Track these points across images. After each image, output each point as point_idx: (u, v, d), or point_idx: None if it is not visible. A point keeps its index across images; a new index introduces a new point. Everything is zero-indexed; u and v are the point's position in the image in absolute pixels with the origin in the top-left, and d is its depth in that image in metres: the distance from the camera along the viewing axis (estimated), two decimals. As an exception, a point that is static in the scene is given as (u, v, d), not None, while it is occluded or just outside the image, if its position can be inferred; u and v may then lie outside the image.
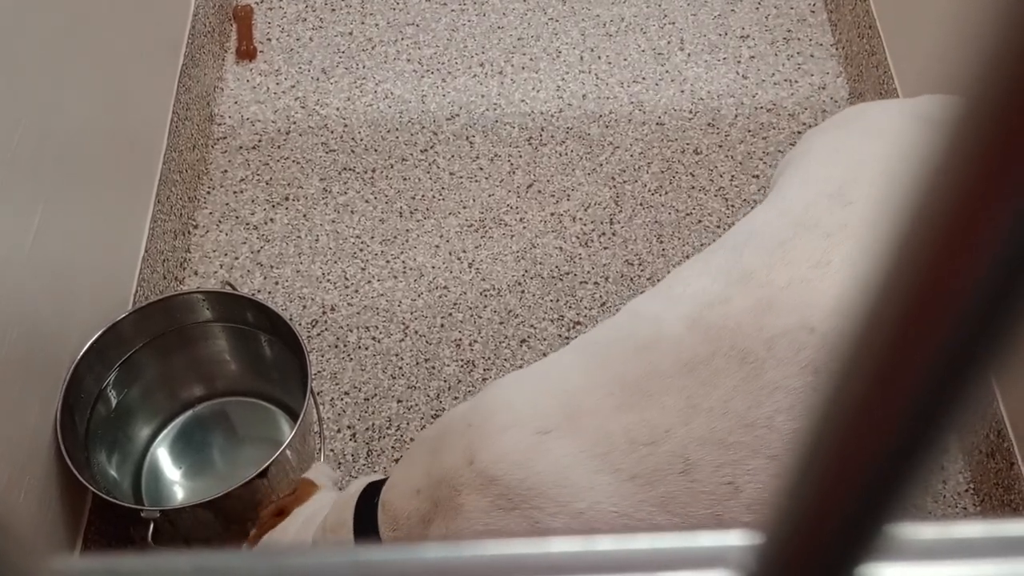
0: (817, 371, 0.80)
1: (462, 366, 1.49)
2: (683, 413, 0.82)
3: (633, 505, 0.81)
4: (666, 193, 1.68)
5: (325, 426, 1.43)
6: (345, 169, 1.72)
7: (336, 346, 1.51)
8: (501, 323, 1.54)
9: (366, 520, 0.94)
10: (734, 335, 0.83)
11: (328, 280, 1.58)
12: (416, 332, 1.53)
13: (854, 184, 0.90)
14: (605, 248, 1.62)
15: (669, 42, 1.90)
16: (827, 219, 0.87)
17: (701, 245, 1.61)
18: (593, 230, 1.64)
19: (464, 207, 1.67)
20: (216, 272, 1.59)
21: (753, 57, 1.87)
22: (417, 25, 1.94)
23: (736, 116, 1.78)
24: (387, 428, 1.44)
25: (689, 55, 1.88)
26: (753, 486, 0.80)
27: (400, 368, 1.49)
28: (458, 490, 0.85)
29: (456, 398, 1.46)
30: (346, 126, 1.78)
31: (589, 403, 0.85)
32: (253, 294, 1.54)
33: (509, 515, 0.82)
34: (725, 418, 0.81)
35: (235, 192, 1.69)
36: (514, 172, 1.71)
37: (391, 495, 0.93)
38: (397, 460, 1.41)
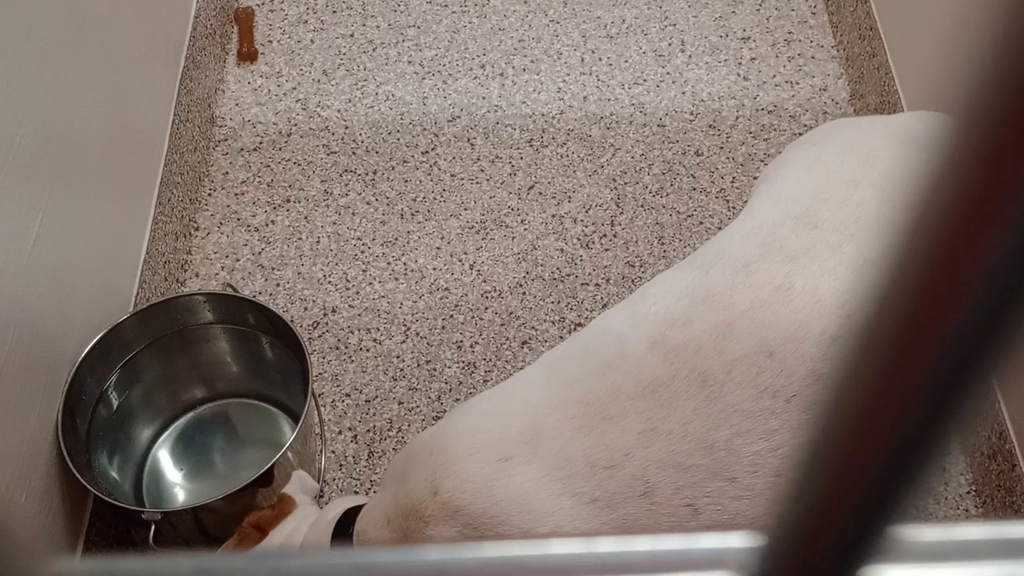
0: (775, 395, 0.80)
1: (463, 368, 1.49)
2: (643, 436, 0.82)
3: (594, 528, 0.82)
4: (667, 195, 1.68)
5: (326, 428, 1.43)
6: (346, 171, 1.72)
7: (337, 348, 1.51)
8: (502, 325, 1.54)
9: (341, 537, 0.95)
10: (695, 358, 0.83)
11: (329, 282, 1.58)
12: (417, 334, 1.53)
13: (822, 206, 0.89)
14: (606, 250, 1.62)
15: (670, 44, 1.90)
16: (792, 242, 0.87)
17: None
18: (594, 232, 1.64)
19: (465, 209, 1.67)
20: (217, 274, 1.60)
21: (754, 59, 1.87)
22: (418, 27, 1.94)
23: (737, 118, 1.78)
24: (388, 430, 1.44)
25: (690, 57, 1.88)
26: (712, 508, 0.81)
27: (401, 370, 1.49)
28: (426, 521, 0.86)
29: (457, 399, 1.46)
30: (347, 128, 1.78)
31: (551, 426, 0.85)
32: (254, 296, 1.54)
33: None
34: (684, 440, 0.81)
35: (236, 194, 1.69)
36: (515, 174, 1.71)
37: (364, 524, 0.93)
38: (398, 462, 1.41)
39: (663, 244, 1.62)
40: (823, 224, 0.87)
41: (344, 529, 0.96)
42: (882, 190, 0.86)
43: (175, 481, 1.37)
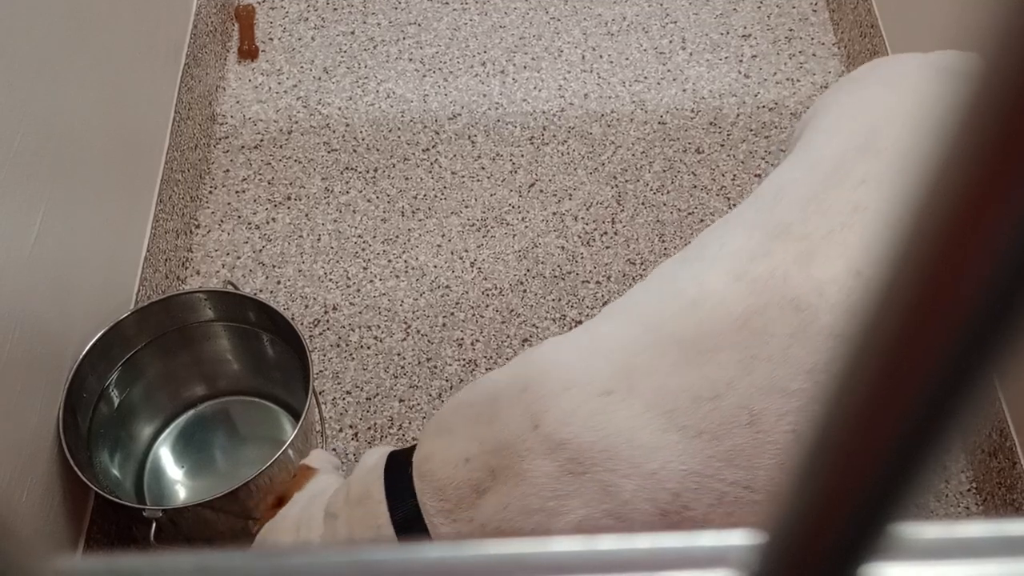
0: None
1: (464, 365, 1.49)
2: (743, 364, 0.81)
3: (701, 462, 0.80)
4: (668, 192, 1.68)
5: (327, 425, 1.43)
6: (347, 168, 1.72)
7: (338, 345, 1.51)
8: (503, 322, 1.54)
9: (399, 490, 0.91)
10: (784, 285, 0.83)
11: (330, 279, 1.58)
12: (418, 331, 1.53)
13: (881, 134, 0.90)
14: (607, 247, 1.62)
15: (671, 41, 1.90)
16: (859, 169, 0.88)
17: (703, 244, 1.62)
18: (595, 229, 1.64)
19: (466, 206, 1.67)
20: (218, 272, 1.60)
21: (755, 56, 1.87)
22: (419, 24, 1.94)
23: (738, 115, 1.78)
24: (389, 427, 1.44)
25: (691, 54, 1.88)
26: None
27: (402, 367, 1.49)
28: (522, 456, 0.82)
29: (458, 397, 1.46)
30: (348, 125, 1.78)
31: (643, 364, 0.84)
32: (255, 293, 1.54)
33: (579, 479, 0.80)
34: (785, 365, 0.81)
35: (237, 192, 1.69)
36: (516, 171, 1.71)
37: (433, 465, 0.89)
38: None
39: (664, 242, 1.62)
40: (884, 151, 0.88)
41: (396, 470, 0.92)
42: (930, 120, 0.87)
43: (176, 479, 1.37)
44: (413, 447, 0.95)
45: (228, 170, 1.72)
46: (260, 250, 1.62)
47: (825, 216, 0.86)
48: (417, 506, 0.88)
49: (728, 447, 0.81)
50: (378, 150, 1.75)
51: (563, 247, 1.62)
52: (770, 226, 0.88)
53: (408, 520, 0.88)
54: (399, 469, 0.92)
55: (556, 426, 0.82)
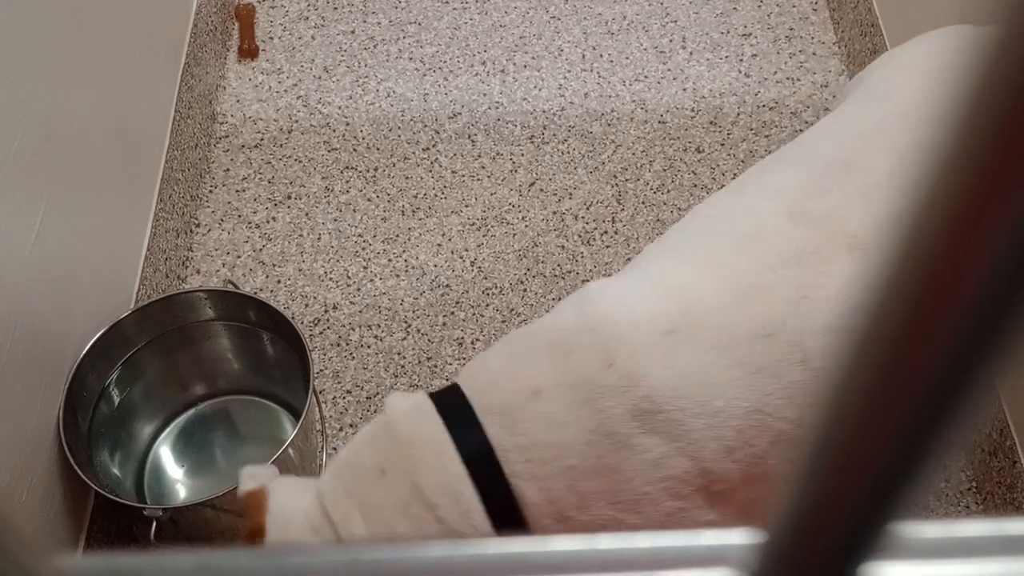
0: None
1: (464, 364, 1.49)
2: (794, 303, 0.80)
3: (761, 399, 0.79)
4: (668, 192, 1.68)
5: (327, 424, 1.43)
6: (347, 168, 1.72)
7: (338, 344, 1.51)
8: (503, 321, 1.54)
9: (463, 424, 0.82)
10: (841, 223, 0.82)
11: (330, 279, 1.58)
12: (418, 330, 1.53)
13: (936, 73, 0.90)
14: (607, 247, 1.62)
15: (671, 40, 1.90)
16: (919, 99, 0.87)
17: (703, 243, 1.62)
18: (595, 228, 1.64)
19: (466, 205, 1.67)
20: (218, 271, 1.60)
21: (755, 55, 1.87)
22: (419, 23, 1.94)
23: (738, 114, 1.78)
24: (389, 427, 1.44)
25: (691, 53, 1.88)
26: None
27: (402, 366, 1.49)
28: (600, 393, 0.80)
29: (458, 397, 1.46)
30: (348, 125, 1.78)
31: (702, 300, 0.82)
32: (255, 292, 1.54)
33: (652, 417, 0.79)
34: (839, 306, 0.80)
35: (237, 191, 1.69)
36: (516, 170, 1.71)
37: (500, 395, 0.82)
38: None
39: (664, 241, 1.62)
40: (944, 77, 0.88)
41: (453, 406, 0.83)
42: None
43: (176, 478, 1.37)
44: (450, 386, 0.87)
45: (228, 169, 1.72)
46: (260, 249, 1.62)
47: (891, 152, 0.84)
48: (486, 440, 0.81)
49: (787, 383, 0.80)
50: (378, 149, 1.75)
51: (563, 246, 1.62)
52: (828, 162, 0.87)
53: (478, 455, 0.81)
54: (451, 405, 0.84)
55: (630, 365, 0.80)
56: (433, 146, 1.75)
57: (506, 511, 0.81)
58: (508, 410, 0.82)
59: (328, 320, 1.54)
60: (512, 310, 1.55)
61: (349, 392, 1.47)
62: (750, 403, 0.80)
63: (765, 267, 0.83)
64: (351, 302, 1.56)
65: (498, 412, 0.82)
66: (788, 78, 1.84)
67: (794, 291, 0.81)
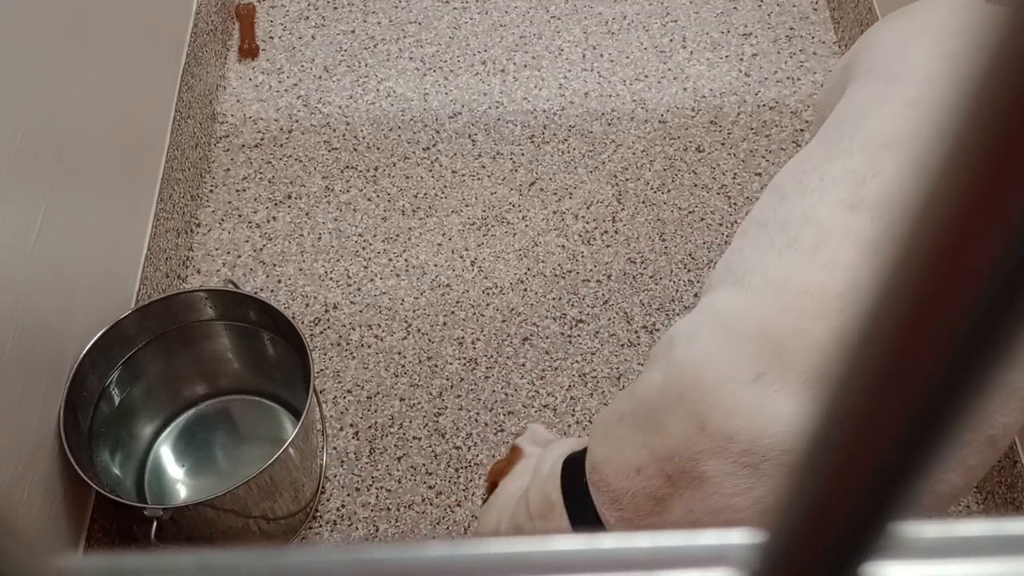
0: None
1: (464, 364, 1.49)
2: None
3: None
4: (668, 191, 1.68)
5: (328, 424, 1.43)
6: (347, 167, 1.72)
7: (338, 344, 1.51)
8: (503, 321, 1.54)
9: (577, 501, 0.92)
10: (902, 199, 0.81)
11: (330, 278, 1.58)
12: (418, 330, 1.53)
13: (950, 44, 0.88)
14: (607, 246, 1.62)
15: (671, 40, 1.90)
16: (942, 73, 0.85)
17: (704, 243, 1.61)
18: (595, 228, 1.64)
19: (466, 205, 1.67)
20: (219, 270, 1.60)
21: (755, 55, 1.87)
22: (419, 23, 1.94)
23: (738, 114, 1.78)
24: (389, 426, 1.44)
25: (691, 53, 1.88)
26: None
27: (402, 366, 1.49)
28: (696, 459, 0.81)
29: (459, 396, 1.46)
30: (348, 124, 1.78)
31: (784, 327, 0.80)
32: (256, 292, 1.54)
33: (757, 471, 0.78)
34: None
35: (237, 190, 1.69)
36: (516, 170, 1.71)
37: (605, 475, 0.89)
38: (401, 458, 1.41)
39: (664, 240, 1.62)
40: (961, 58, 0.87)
41: (573, 480, 0.93)
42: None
43: (177, 478, 1.37)
44: (582, 452, 0.95)
45: (229, 169, 1.72)
46: (261, 249, 1.62)
47: (928, 119, 0.84)
48: (597, 516, 0.89)
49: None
50: (379, 149, 1.75)
51: (563, 246, 1.62)
52: (869, 143, 0.85)
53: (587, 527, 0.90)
54: (575, 479, 0.93)
55: (722, 422, 0.79)
56: (433, 146, 1.75)
57: None
58: (612, 488, 0.88)
59: (328, 320, 1.54)
60: (512, 310, 1.55)
61: (349, 392, 1.47)
62: None
63: (841, 270, 0.80)
64: (351, 302, 1.56)
65: (604, 490, 0.89)
66: (788, 77, 1.83)
67: None
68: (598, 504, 0.89)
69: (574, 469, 0.94)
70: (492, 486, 1.11)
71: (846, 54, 1.09)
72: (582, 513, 0.90)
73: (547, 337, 1.52)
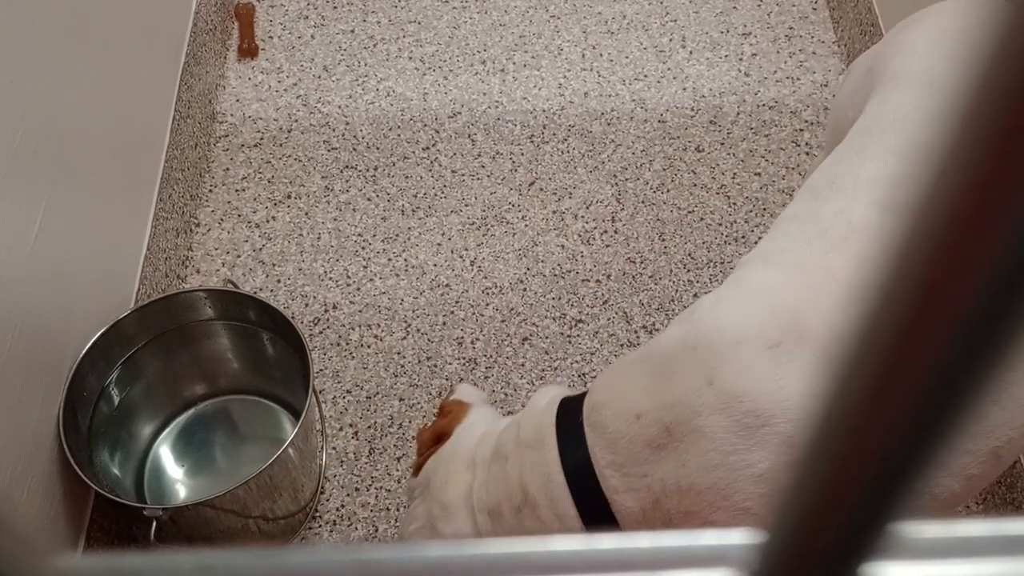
0: None
1: (464, 364, 1.49)
2: None
3: None
4: (668, 191, 1.68)
5: (327, 424, 1.43)
6: (347, 167, 1.72)
7: (338, 344, 1.51)
8: (503, 321, 1.54)
9: (570, 438, 0.90)
10: None
11: (330, 278, 1.58)
12: (418, 330, 1.53)
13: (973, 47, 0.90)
14: (607, 246, 1.62)
15: (671, 39, 1.90)
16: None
17: (703, 243, 1.61)
18: (595, 228, 1.64)
19: (466, 205, 1.67)
20: (218, 270, 1.60)
21: (755, 55, 1.87)
22: (419, 23, 1.94)
23: (738, 114, 1.78)
24: (389, 426, 1.44)
25: (691, 52, 1.88)
26: None
27: (402, 366, 1.49)
28: (697, 411, 0.81)
29: (458, 396, 1.46)
30: (348, 124, 1.78)
31: (806, 308, 0.82)
32: (255, 292, 1.54)
33: (757, 432, 0.79)
34: None
35: (237, 190, 1.69)
36: (516, 170, 1.71)
37: (604, 416, 0.88)
38: (400, 458, 1.41)
39: (664, 240, 1.62)
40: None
41: (568, 418, 0.91)
42: None
43: (176, 478, 1.37)
44: (581, 394, 0.94)
45: (228, 168, 1.72)
46: (260, 249, 1.62)
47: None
48: (588, 456, 0.88)
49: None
50: (378, 148, 1.74)
51: (563, 246, 1.62)
52: (906, 147, 0.86)
53: (579, 470, 0.88)
54: (571, 416, 0.91)
55: (732, 380, 0.80)
56: (433, 145, 1.75)
57: (600, 518, 0.88)
58: (609, 431, 0.87)
59: (328, 319, 1.54)
60: (512, 309, 1.55)
61: (349, 392, 1.47)
62: None
63: (868, 263, 0.81)
64: (351, 301, 1.56)
65: (599, 432, 0.88)
66: (788, 77, 1.83)
67: None
68: (591, 445, 0.88)
69: (571, 407, 0.93)
70: (435, 439, 1.06)
71: (866, 56, 1.09)
72: (573, 451, 0.89)
73: (547, 337, 1.52)
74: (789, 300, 0.84)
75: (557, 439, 0.90)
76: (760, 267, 0.90)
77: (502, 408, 1.45)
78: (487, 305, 1.55)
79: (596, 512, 0.87)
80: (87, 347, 1.22)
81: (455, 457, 1.00)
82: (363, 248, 1.62)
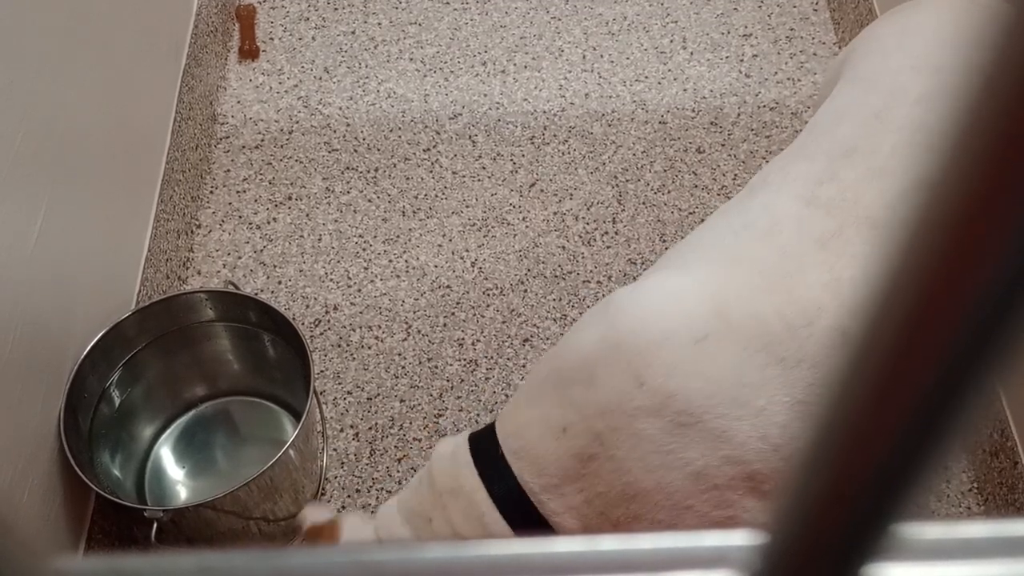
0: None
1: (465, 365, 1.49)
2: (829, 287, 0.79)
3: (804, 390, 0.78)
4: (669, 192, 1.68)
5: (328, 425, 1.43)
6: (348, 168, 1.72)
7: (339, 345, 1.51)
8: (504, 322, 1.54)
9: (494, 475, 0.86)
10: (855, 205, 0.82)
11: (331, 279, 1.58)
12: (419, 331, 1.53)
13: (936, 53, 0.90)
14: (608, 247, 1.62)
15: (672, 41, 1.90)
16: (916, 87, 0.87)
17: (704, 244, 1.61)
18: (596, 229, 1.64)
19: (467, 206, 1.67)
20: (219, 272, 1.60)
21: (756, 56, 1.87)
22: (419, 24, 1.94)
23: (739, 115, 1.78)
24: (390, 427, 1.44)
25: (692, 54, 1.88)
26: None
27: (403, 367, 1.49)
28: (632, 415, 0.79)
29: (459, 397, 1.46)
30: (349, 125, 1.78)
31: (732, 296, 0.81)
32: (256, 293, 1.54)
33: (691, 430, 0.78)
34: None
35: (238, 192, 1.69)
36: (517, 171, 1.71)
37: (526, 440, 0.84)
38: (401, 459, 1.41)
39: (665, 241, 1.62)
40: (944, 69, 0.87)
41: (486, 455, 0.86)
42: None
43: (177, 479, 1.37)
44: (489, 426, 0.90)
45: (229, 170, 1.72)
46: (261, 250, 1.62)
47: (891, 133, 0.85)
48: (519, 487, 0.84)
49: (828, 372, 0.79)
50: (379, 150, 1.75)
51: (564, 247, 1.62)
52: (833, 149, 0.87)
53: (513, 503, 0.84)
54: (486, 450, 0.87)
55: (662, 379, 0.78)
56: (434, 147, 1.75)
57: None
58: (533, 453, 0.83)
59: (329, 321, 1.54)
60: (513, 311, 1.55)
61: (350, 393, 1.47)
62: (792, 396, 0.78)
63: (792, 256, 0.82)
64: (352, 303, 1.56)
65: (525, 457, 0.84)
66: (789, 78, 1.83)
67: (827, 274, 0.79)
68: (519, 473, 0.84)
69: (484, 442, 0.88)
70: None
71: (843, 49, 1.10)
72: (501, 485, 0.84)
73: (548, 338, 1.52)
74: (716, 292, 0.82)
75: (481, 479, 0.86)
76: (685, 259, 0.88)
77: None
78: (488, 306, 1.55)
79: None
80: (88, 348, 1.22)
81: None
82: (364, 249, 1.62)
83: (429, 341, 1.52)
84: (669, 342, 0.80)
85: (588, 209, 1.66)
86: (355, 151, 1.74)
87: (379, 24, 1.94)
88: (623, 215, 1.65)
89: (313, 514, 1.01)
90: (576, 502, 0.82)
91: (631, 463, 0.80)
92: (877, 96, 0.90)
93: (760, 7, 1.95)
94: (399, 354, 1.50)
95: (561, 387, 0.84)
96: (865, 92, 0.92)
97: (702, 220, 1.64)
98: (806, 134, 0.95)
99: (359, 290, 1.57)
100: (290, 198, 1.68)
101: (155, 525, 1.13)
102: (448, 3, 1.97)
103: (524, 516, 0.84)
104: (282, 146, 1.75)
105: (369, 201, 1.68)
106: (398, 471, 1.40)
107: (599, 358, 0.83)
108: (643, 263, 1.60)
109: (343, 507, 1.37)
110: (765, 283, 0.81)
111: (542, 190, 1.69)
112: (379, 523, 0.94)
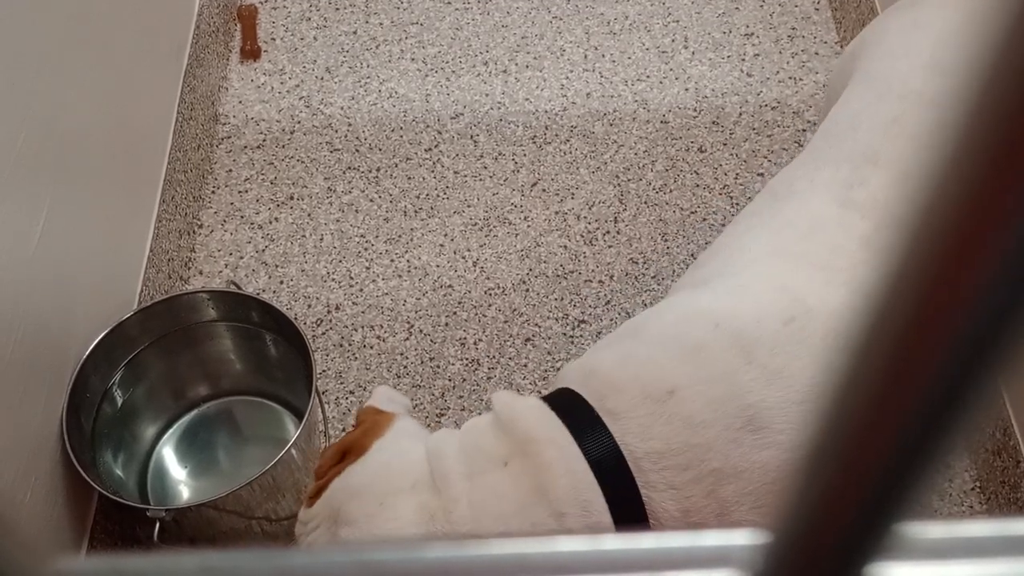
0: None
1: (467, 365, 1.49)
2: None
3: None
4: (670, 191, 1.68)
5: (330, 425, 1.43)
6: (349, 168, 1.72)
7: (341, 345, 1.51)
8: (506, 322, 1.54)
9: (588, 430, 0.78)
10: (887, 209, 0.82)
11: (333, 279, 1.58)
12: (421, 331, 1.53)
13: (944, 53, 0.91)
14: (609, 246, 1.62)
15: (673, 40, 1.90)
16: (929, 88, 0.89)
17: (706, 243, 1.61)
18: (597, 228, 1.64)
19: (468, 206, 1.67)
20: (221, 271, 1.60)
21: (757, 55, 1.87)
22: (421, 24, 1.94)
23: (740, 114, 1.78)
24: (392, 427, 1.44)
25: (693, 53, 1.88)
26: None
27: (405, 367, 1.49)
28: (748, 389, 0.77)
29: (461, 397, 1.46)
30: (350, 125, 1.78)
31: (800, 285, 0.82)
32: (258, 293, 1.54)
33: (798, 410, 0.77)
34: None
35: (240, 192, 1.69)
36: (518, 171, 1.71)
37: (624, 399, 0.78)
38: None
39: (666, 241, 1.62)
40: (953, 67, 0.88)
41: (574, 413, 0.80)
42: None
43: (179, 479, 1.37)
44: (560, 390, 0.83)
45: (231, 170, 1.72)
46: (263, 250, 1.62)
47: (911, 139, 0.86)
48: (616, 447, 0.77)
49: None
50: (380, 150, 1.75)
51: (566, 246, 1.62)
52: (856, 156, 0.89)
53: (607, 463, 0.76)
54: (575, 407, 0.80)
55: (768, 357, 0.78)
56: (435, 146, 1.75)
57: (636, 522, 0.77)
58: (638, 414, 0.77)
59: (331, 321, 1.54)
60: (515, 310, 1.55)
61: (352, 393, 1.47)
62: None
63: (841, 249, 0.83)
64: (353, 303, 1.56)
65: (626, 416, 0.77)
66: (790, 78, 1.83)
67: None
68: (616, 433, 0.77)
69: (568, 400, 0.81)
70: (340, 456, 0.87)
71: (853, 41, 1.10)
72: (597, 443, 0.77)
73: (549, 338, 1.52)
74: (783, 281, 0.83)
75: (571, 431, 0.78)
76: (735, 257, 0.89)
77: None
78: (490, 306, 1.55)
79: (633, 516, 0.77)
80: (90, 349, 1.22)
81: (385, 477, 0.83)
82: (366, 249, 1.62)
83: (431, 340, 1.52)
84: (762, 322, 0.80)
85: (590, 208, 1.66)
86: (357, 151, 1.74)
87: (381, 24, 1.94)
88: (625, 214, 1.65)
89: (382, 398, 0.93)
90: (680, 480, 0.77)
91: (745, 435, 0.77)
92: (891, 101, 0.91)
93: (762, 6, 1.95)
94: (401, 353, 1.50)
95: (657, 350, 0.81)
96: (879, 96, 0.93)
97: (704, 219, 1.64)
98: (822, 139, 0.95)
99: (361, 290, 1.57)
100: (292, 198, 1.68)
101: (157, 525, 1.13)
102: (450, 3, 1.97)
103: (619, 483, 0.77)
104: (284, 146, 1.75)
105: (371, 201, 1.68)
106: (400, 471, 1.40)
107: (698, 330, 0.81)
108: (644, 262, 1.60)
109: (345, 507, 1.38)
110: (824, 275, 0.83)
111: (544, 190, 1.69)
112: (432, 446, 0.84)
